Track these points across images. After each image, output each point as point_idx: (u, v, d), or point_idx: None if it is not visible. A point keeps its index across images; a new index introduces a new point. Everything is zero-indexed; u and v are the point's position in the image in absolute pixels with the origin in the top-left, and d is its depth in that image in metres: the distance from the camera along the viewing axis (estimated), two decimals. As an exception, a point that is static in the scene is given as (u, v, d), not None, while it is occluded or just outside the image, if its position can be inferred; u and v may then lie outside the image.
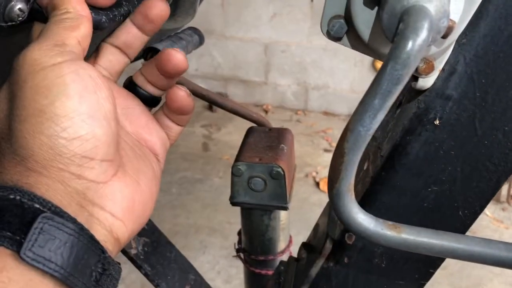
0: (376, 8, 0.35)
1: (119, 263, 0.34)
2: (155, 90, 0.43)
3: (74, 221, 0.30)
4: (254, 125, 0.91)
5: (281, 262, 0.71)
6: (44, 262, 0.28)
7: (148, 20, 0.39)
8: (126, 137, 0.40)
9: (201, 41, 0.72)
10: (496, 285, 1.85)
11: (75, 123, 0.31)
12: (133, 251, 0.69)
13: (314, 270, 0.54)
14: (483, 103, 0.39)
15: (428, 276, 0.50)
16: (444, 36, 0.33)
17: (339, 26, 0.37)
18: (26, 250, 0.27)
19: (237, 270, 1.90)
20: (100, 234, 0.32)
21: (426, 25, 0.29)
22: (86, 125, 0.31)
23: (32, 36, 0.37)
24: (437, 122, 0.40)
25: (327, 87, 3.01)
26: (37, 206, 0.29)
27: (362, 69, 2.89)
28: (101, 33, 0.39)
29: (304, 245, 0.63)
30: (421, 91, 0.40)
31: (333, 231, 0.52)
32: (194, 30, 0.71)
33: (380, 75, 0.30)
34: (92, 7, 0.36)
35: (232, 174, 0.73)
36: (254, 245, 0.86)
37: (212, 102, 0.92)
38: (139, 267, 0.71)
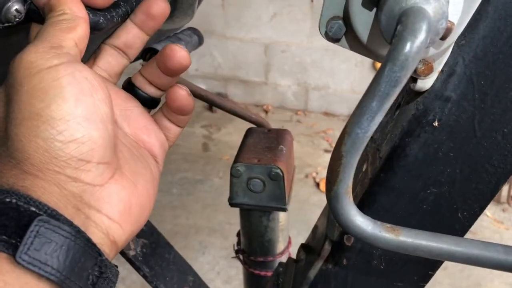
0: (375, 9, 0.35)
1: (117, 266, 0.34)
2: (154, 91, 0.43)
3: (70, 224, 0.30)
4: (253, 126, 0.91)
5: (280, 263, 0.71)
6: (40, 265, 0.28)
7: (150, 17, 0.39)
8: (124, 138, 0.40)
9: (200, 41, 0.72)
10: (497, 285, 1.85)
11: (71, 126, 0.31)
12: (131, 253, 0.69)
13: (313, 272, 0.54)
14: (482, 105, 0.39)
15: (427, 278, 0.50)
16: (443, 38, 0.32)
17: (338, 27, 0.37)
18: (21, 254, 0.27)
19: (236, 271, 1.90)
20: (96, 237, 0.32)
21: (424, 27, 0.29)
22: (82, 128, 0.31)
23: (30, 37, 0.37)
24: (436, 123, 0.40)
25: (328, 88, 3.01)
26: (33, 209, 0.29)
27: (363, 69, 2.88)
28: (100, 34, 0.38)
29: (303, 247, 0.63)
30: (420, 93, 0.40)
31: (332, 233, 0.52)
32: (194, 30, 0.71)
33: (378, 77, 0.30)
34: (90, 8, 0.36)
35: (231, 175, 0.73)
36: (253, 246, 0.86)
37: (211, 103, 0.92)
38: (137, 269, 0.71)
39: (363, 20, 0.35)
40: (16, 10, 0.34)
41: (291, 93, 3.09)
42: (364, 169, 0.48)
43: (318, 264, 0.53)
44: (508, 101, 0.38)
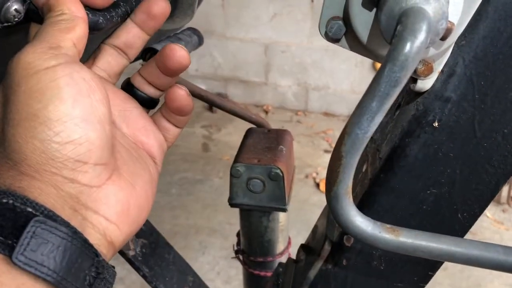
0: (375, 9, 0.35)
1: (114, 267, 0.33)
2: (153, 92, 0.43)
3: (67, 225, 0.30)
4: (253, 126, 0.91)
5: (280, 264, 0.71)
6: (37, 266, 0.28)
7: (150, 17, 0.39)
8: (122, 139, 0.39)
9: (200, 41, 0.72)
10: (497, 286, 1.85)
11: (68, 127, 0.31)
12: (131, 253, 0.69)
13: (313, 272, 0.54)
14: (482, 105, 0.38)
15: (427, 278, 0.50)
16: (443, 38, 0.32)
17: (338, 27, 0.37)
18: (18, 254, 0.27)
19: (236, 271, 1.90)
20: (93, 238, 0.32)
21: (424, 27, 0.29)
22: (79, 129, 0.31)
23: (29, 37, 0.37)
24: (436, 124, 0.40)
25: (328, 88, 3.01)
26: (30, 210, 0.28)
27: (363, 69, 2.88)
28: (99, 34, 0.38)
29: (302, 247, 0.63)
30: (420, 93, 0.40)
31: (331, 233, 0.52)
32: (193, 30, 0.71)
33: (378, 77, 0.30)
34: (89, 8, 0.36)
35: (231, 175, 0.73)
36: (253, 246, 0.85)
37: (211, 103, 0.92)
38: (137, 269, 0.70)
39: (363, 20, 0.35)
40: (15, 10, 0.34)
41: (291, 94, 3.09)
42: (364, 170, 0.48)
43: (318, 265, 0.53)
44: (508, 101, 0.38)
